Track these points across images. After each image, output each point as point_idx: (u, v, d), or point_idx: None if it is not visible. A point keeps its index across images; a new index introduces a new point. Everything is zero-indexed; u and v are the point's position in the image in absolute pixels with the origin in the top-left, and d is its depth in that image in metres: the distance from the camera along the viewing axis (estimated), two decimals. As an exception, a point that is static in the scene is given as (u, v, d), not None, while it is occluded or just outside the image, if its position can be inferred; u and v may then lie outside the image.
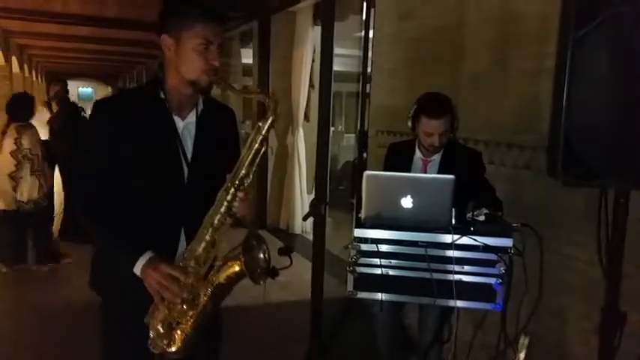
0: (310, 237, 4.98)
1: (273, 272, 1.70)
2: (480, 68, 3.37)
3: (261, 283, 1.69)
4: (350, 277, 2.38)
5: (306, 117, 6.82)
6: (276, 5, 6.65)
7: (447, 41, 3.65)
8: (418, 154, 2.79)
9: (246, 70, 8.82)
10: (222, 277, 1.67)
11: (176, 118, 1.75)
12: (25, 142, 4.93)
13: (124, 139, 1.67)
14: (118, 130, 1.67)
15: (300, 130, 6.77)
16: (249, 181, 1.67)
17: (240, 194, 1.66)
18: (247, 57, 8.43)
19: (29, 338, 3.86)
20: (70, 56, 15.24)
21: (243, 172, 1.66)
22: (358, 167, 4.60)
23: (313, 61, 6.50)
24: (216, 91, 2.03)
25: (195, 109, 1.79)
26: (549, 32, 2.51)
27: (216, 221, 1.66)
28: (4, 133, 5.00)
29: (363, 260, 2.37)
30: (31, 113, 5.16)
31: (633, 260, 2.25)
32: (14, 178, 4.94)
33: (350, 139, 11.61)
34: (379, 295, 2.40)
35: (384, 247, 2.35)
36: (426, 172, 2.77)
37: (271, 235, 6.63)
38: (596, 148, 1.76)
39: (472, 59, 3.45)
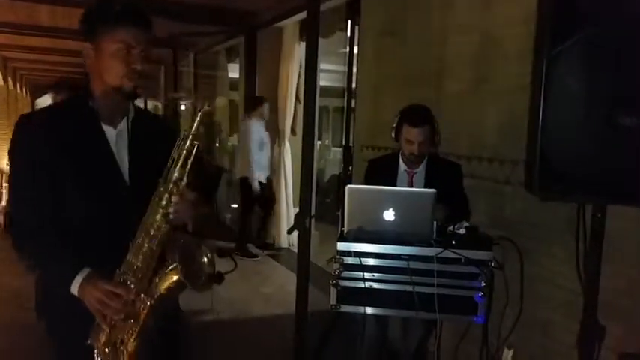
0: (296, 250, 4.99)
1: (218, 278, 1.62)
2: (462, 85, 3.43)
3: (209, 289, 1.64)
4: (333, 291, 2.40)
5: (293, 131, 6.85)
6: (263, 21, 6.70)
7: (430, 58, 3.72)
8: (403, 166, 2.84)
9: (233, 85, 8.87)
10: (162, 288, 1.59)
11: (108, 128, 1.69)
12: None
13: (54, 154, 1.60)
14: (45, 146, 1.60)
15: (287, 143, 6.80)
16: (183, 184, 1.60)
17: (175, 198, 1.58)
18: (234, 71, 8.48)
19: None
20: (56, 69, 15.16)
21: (176, 175, 1.59)
22: (343, 181, 4.63)
23: (299, 76, 6.55)
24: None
25: (126, 117, 1.73)
26: (528, 49, 2.58)
27: (152, 230, 1.58)
28: None
29: (346, 273, 2.39)
30: None
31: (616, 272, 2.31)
32: None
33: (337, 152, 11.64)
34: (362, 309, 2.42)
35: (367, 261, 2.37)
36: (412, 184, 2.82)
37: (257, 249, 6.63)
38: (573, 164, 1.81)
39: (454, 76, 3.51)
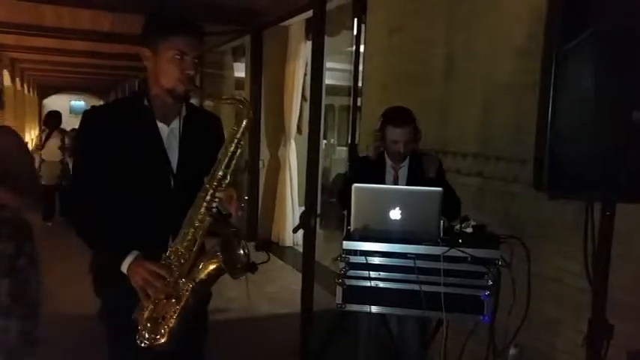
0: (301, 249, 4.99)
1: (252, 267, 1.76)
2: (469, 82, 3.41)
3: (243, 278, 1.78)
4: (339, 290, 2.39)
5: (299, 130, 6.85)
6: (269, 20, 6.70)
7: (437, 56, 3.70)
8: (389, 162, 2.90)
9: (239, 84, 8.87)
10: (202, 274, 1.75)
11: (161, 125, 1.85)
12: (67, 140, 7.87)
13: (111, 146, 1.77)
14: (104, 138, 1.78)
15: (292, 142, 6.80)
16: (226, 182, 1.75)
17: (219, 194, 1.74)
18: (240, 70, 8.48)
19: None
20: (63, 70, 15.21)
21: (220, 174, 1.74)
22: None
23: (306, 74, 6.55)
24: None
25: (179, 116, 1.89)
26: (537, 47, 2.55)
27: (196, 222, 1.74)
28: (48, 135, 7.89)
29: (352, 272, 2.38)
30: (60, 122, 8.21)
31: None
32: (62, 163, 7.85)
33: (342, 152, 11.65)
34: (368, 308, 2.40)
35: (372, 260, 2.36)
36: (397, 178, 2.87)
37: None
38: (582, 162, 1.79)
39: (461, 73, 3.49)
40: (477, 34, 3.34)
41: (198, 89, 1.83)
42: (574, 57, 1.71)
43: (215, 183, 1.74)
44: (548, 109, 1.76)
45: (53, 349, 3.73)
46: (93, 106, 2.00)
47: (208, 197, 1.74)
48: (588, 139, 1.77)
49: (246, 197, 7.32)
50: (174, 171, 1.85)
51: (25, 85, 17.47)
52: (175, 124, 1.88)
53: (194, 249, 1.75)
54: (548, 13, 1.86)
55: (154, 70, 1.81)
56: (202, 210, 1.74)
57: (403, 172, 2.89)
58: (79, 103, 26.27)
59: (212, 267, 1.74)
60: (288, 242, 6.89)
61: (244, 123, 1.75)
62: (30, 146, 18.65)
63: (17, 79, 14.60)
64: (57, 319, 4.20)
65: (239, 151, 1.76)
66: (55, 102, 23.58)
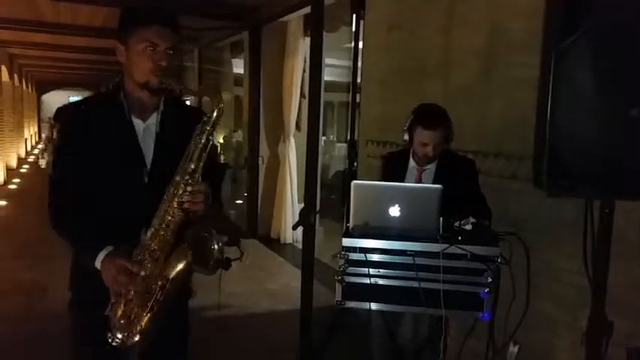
0: (301, 246, 4.99)
1: (225, 263, 1.72)
2: (467, 78, 3.41)
3: (216, 273, 1.73)
4: (338, 287, 2.39)
5: (298, 126, 6.84)
6: (267, 16, 6.68)
7: (436, 52, 3.69)
8: (412, 163, 2.81)
9: (238, 80, 8.86)
10: (173, 271, 1.71)
11: (137, 121, 1.82)
12: None
13: (85, 142, 1.76)
14: (79, 133, 1.78)
15: (292, 139, 6.79)
16: (197, 176, 1.71)
17: (189, 188, 1.69)
18: (238, 67, 8.47)
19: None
20: (61, 66, 15.18)
21: (192, 166, 1.70)
22: (348, 177, 4.62)
23: (304, 71, 6.53)
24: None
25: (157, 111, 1.85)
26: (536, 42, 2.55)
27: (167, 217, 1.70)
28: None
29: (351, 269, 2.37)
30: None
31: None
32: None
33: (341, 148, 11.66)
34: (367, 305, 2.40)
35: (372, 257, 2.36)
36: (421, 181, 2.78)
37: (262, 245, 6.63)
38: (581, 159, 1.78)
39: (460, 69, 3.48)
40: (475, 30, 3.33)
41: (170, 81, 1.75)
42: (573, 53, 1.70)
43: (186, 176, 1.69)
44: (547, 105, 1.75)
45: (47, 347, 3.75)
46: (68, 103, 2.00)
47: (179, 191, 1.69)
48: (587, 136, 1.76)
49: (246, 194, 7.32)
50: (149, 167, 1.80)
51: (24, 81, 17.44)
52: (152, 119, 1.84)
53: (166, 245, 1.71)
54: (546, 9, 1.85)
55: (127, 65, 1.77)
56: (174, 205, 1.69)
57: (429, 174, 2.76)
58: (78, 99, 26.27)
59: (181, 264, 1.70)
60: (288, 239, 6.89)
61: (214, 114, 1.71)
62: (32, 141, 18.58)
63: (15, 75, 14.57)
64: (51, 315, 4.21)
65: (210, 142, 1.72)
66: (54, 98, 23.60)
